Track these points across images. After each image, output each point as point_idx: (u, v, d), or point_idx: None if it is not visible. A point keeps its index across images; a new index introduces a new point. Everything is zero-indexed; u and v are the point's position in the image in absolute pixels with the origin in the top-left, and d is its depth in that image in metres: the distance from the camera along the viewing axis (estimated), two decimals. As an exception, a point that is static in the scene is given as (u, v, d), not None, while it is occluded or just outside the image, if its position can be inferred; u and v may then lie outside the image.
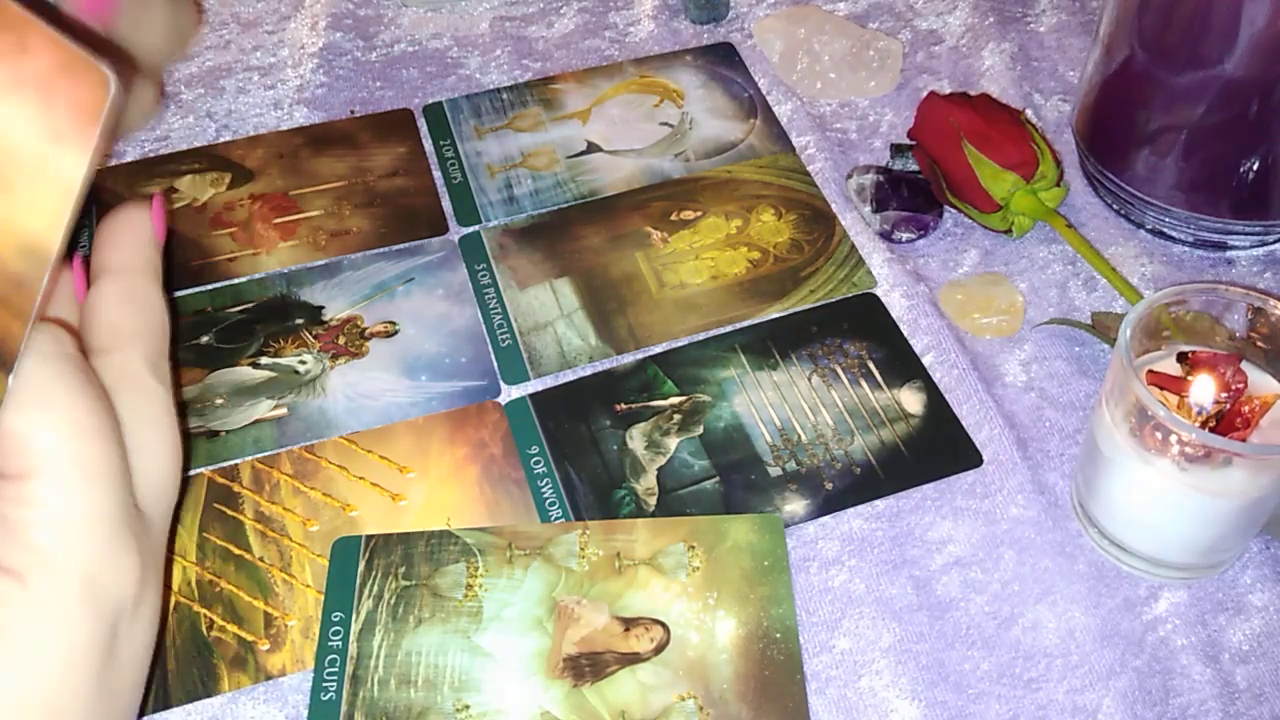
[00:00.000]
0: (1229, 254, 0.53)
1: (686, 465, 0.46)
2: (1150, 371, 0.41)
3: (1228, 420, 0.39)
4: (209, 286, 0.53)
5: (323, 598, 0.42)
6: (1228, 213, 0.51)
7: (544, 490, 0.45)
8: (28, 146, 0.24)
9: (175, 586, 0.43)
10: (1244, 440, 0.39)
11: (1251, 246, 0.53)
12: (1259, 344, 0.41)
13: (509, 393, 0.49)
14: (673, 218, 0.55)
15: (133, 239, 0.38)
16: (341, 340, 0.51)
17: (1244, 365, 0.40)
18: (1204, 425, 0.39)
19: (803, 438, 0.47)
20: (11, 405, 0.30)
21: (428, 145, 0.60)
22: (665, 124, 0.60)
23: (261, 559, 0.43)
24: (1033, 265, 0.53)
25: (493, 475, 0.46)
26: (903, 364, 0.49)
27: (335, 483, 0.46)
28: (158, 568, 0.35)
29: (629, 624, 0.41)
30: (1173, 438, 0.38)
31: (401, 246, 0.55)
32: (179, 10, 0.53)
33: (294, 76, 0.64)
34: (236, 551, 0.44)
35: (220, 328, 0.51)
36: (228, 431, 0.47)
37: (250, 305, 0.52)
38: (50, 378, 0.31)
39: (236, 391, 0.49)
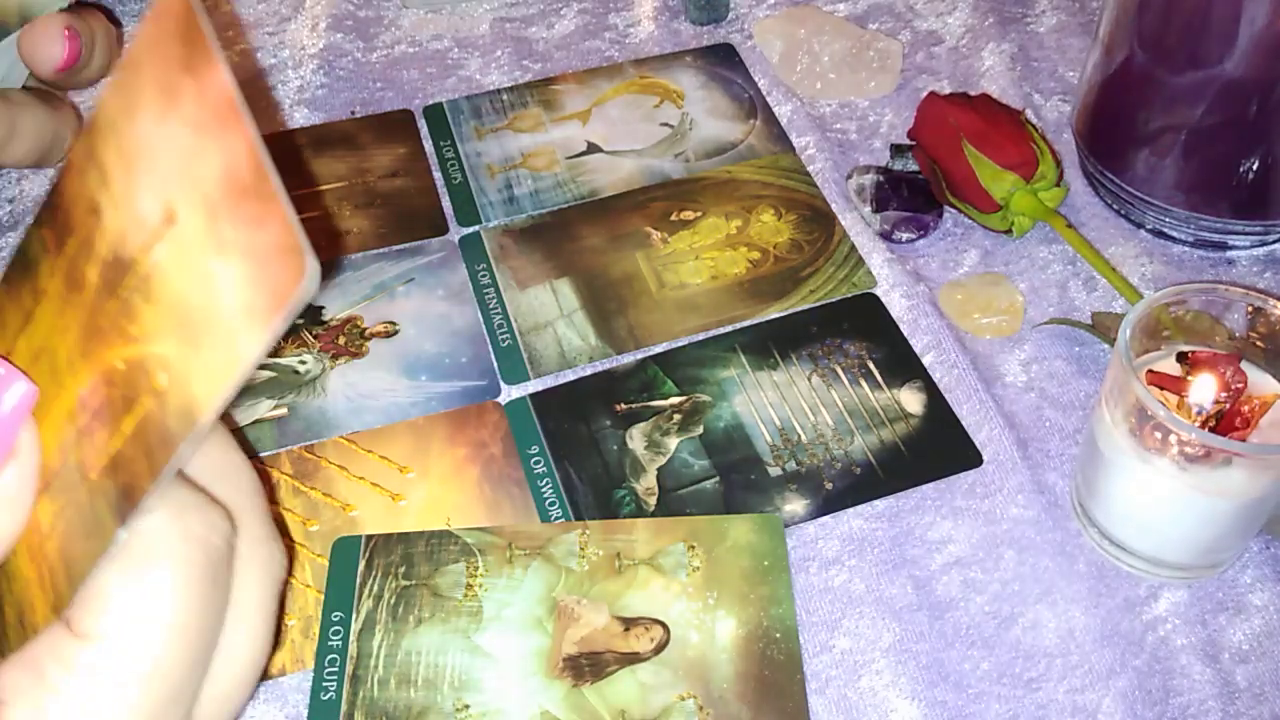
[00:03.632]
0: (1229, 254, 0.53)
1: (686, 465, 0.46)
2: (1150, 371, 0.41)
3: (1227, 420, 0.39)
4: (209, 287, 0.53)
5: (323, 597, 0.42)
6: (1228, 213, 0.51)
7: (544, 490, 0.45)
8: (226, 314, 0.23)
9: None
10: (1244, 440, 0.38)
11: (1251, 246, 0.53)
12: (1259, 344, 0.41)
13: (509, 393, 0.49)
14: (673, 218, 0.55)
15: None
16: (341, 340, 0.51)
17: (1244, 365, 0.40)
18: (1204, 425, 0.39)
19: (803, 438, 0.47)
20: (114, 560, 0.27)
21: (428, 146, 0.60)
22: (665, 125, 0.60)
23: (261, 559, 0.43)
24: (1033, 265, 0.53)
25: (493, 475, 0.46)
26: (903, 364, 0.49)
27: (335, 483, 0.46)
28: None
29: (629, 624, 0.41)
30: (1172, 438, 0.38)
31: (402, 247, 0.55)
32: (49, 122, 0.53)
33: (294, 77, 0.64)
34: (236, 551, 0.44)
35: (220, 328, 0.51)
36: (228, 432, 0.47)
37: (250, 305, 0.52)
38: (171, 557, 0.28)
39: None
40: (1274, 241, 0.54)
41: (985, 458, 0.46)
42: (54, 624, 0.28)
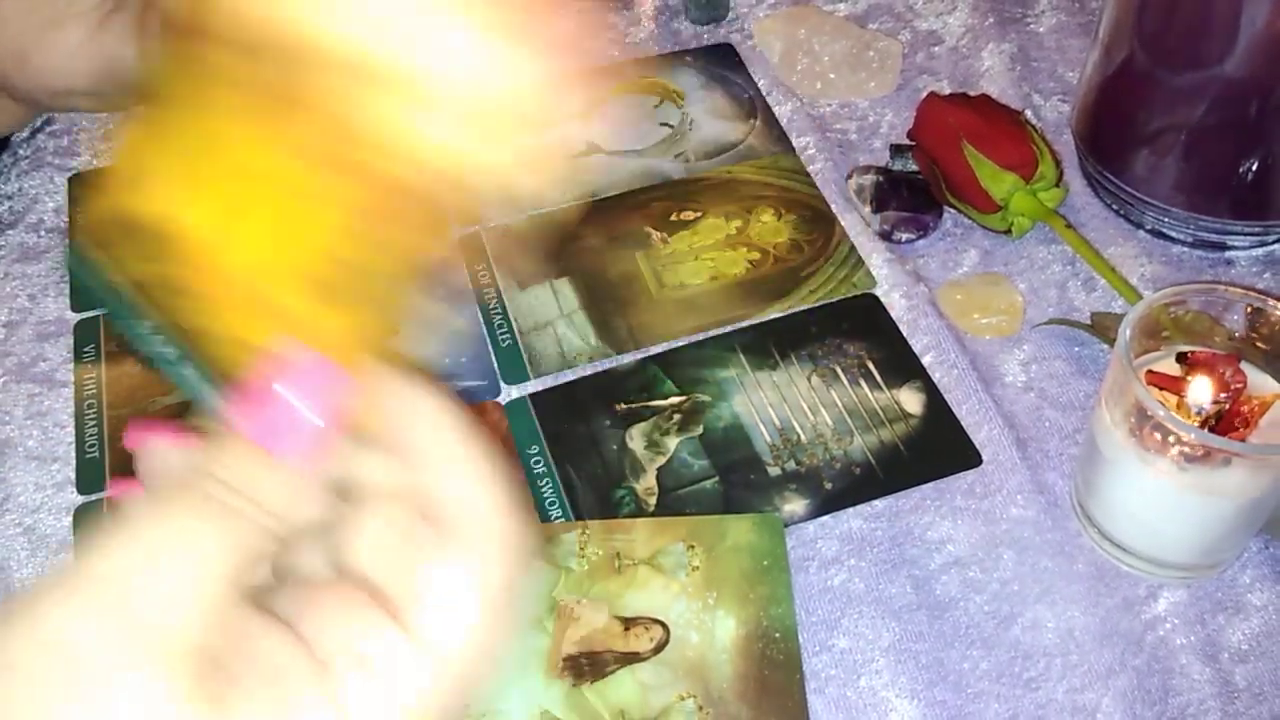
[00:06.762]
0: (1228, 254, 0.53)
1: (686, 465, 0.46)
2: (1150, 372, 0.41)
3: (1227, 420, 0.39)
4: (209, 286, 0.53)
5: None
6: (1227, 213, 0.51)
7: (544, 490, 0.45)
8: None
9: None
10: (1243, 440, 0.39)
11: (1250, 247, 0.53)
12: (1258, 344, 0.41)
13: (509, 393, 0.49)
14: (673, 218, 0.55)
15: None
16: (342, 340, 0.51)
17: (1243, 365, 0.40)
18: (1203, 425, 0.39)
19: (802, 438, 0.47)
20: (453, 562, 0.28)
21: (428, 146, 0.60)
22: (665, 124, 0.60)
23: (262, 558, 0.43)
24: (1032, 265, 0.53)
25: (493, 475, 0.46)
26: (902, 364, 0.49)
27: (335, 482, 0.46)
28: None
29: (628, 623, 0.41)
30: (1172, 438, 0.38)
31: (402, 247, 0.55)
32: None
33: (294, 77, 0.64)
34: (237, 551, 0.44)
35: (220, 328, 0.51)
36: (228, 431, 0.47)
37: (250, 305, 0.52)
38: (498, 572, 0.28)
39: (237, 391, 0.49)
40: (1273, 242, 0.54)
41: (985, 458, 0.46)
42: (367, 600, 0.27)
